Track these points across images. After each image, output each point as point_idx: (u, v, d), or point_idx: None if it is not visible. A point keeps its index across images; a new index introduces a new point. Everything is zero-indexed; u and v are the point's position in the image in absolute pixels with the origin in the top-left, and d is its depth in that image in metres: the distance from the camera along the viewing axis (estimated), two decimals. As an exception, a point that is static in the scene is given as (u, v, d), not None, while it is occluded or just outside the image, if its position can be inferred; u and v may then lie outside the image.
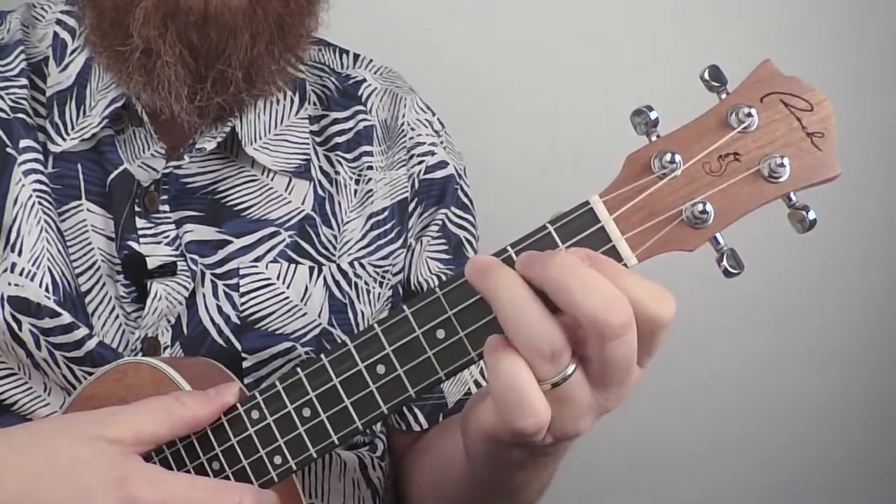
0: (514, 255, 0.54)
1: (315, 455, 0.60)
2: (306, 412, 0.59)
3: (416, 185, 0.88)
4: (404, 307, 0.57)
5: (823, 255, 1.24)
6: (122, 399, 0.63)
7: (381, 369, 0.57)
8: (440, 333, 0.56)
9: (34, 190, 0.77)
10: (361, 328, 0.81)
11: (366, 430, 0.59)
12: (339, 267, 0.83)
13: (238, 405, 0.62)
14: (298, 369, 0.60)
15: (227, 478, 0.62)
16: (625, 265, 0.54)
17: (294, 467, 0.60)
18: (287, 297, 0.80)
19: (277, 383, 0.60)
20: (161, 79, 0.74)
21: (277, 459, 0.61)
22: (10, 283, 0.74)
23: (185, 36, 0.73)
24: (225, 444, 0.62)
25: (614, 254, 0.54)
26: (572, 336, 0.51)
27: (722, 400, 1.30)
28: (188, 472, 0.63)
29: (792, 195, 0.55)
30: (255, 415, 0.61)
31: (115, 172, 0.79)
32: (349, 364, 0.58)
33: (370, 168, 0.86)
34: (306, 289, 0.81)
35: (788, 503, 1.33)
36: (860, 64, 1.20)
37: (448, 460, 0.72)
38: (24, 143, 0.78)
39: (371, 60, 0.94)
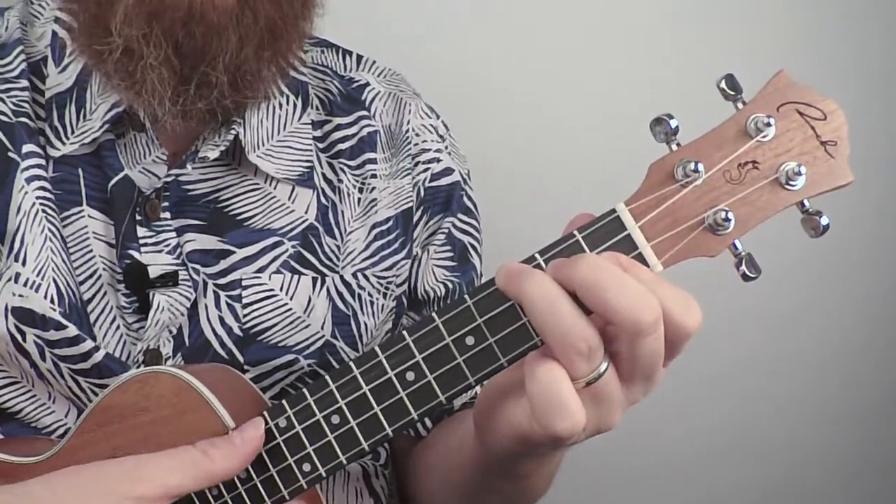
0: (542, 263, 0.55)
1: (345, 462, 0.60)
2: (335, 419, 0.60)
3: (422, 192, 0.87)
4: (434, 315, 0.57)
5: (823, 255, 1.26)
6: (144, 409, 0.62)
7: (410, 376, 0.58)
8: (470, 340, 0.56)
9: (37, 197, 0.75)
10: (365, 340, 0.81)
11: (396, 436, 0.59)
12: (342, 278, 0.82)
13: (266, 416, 0.61)
14: (328, 378, 0.60)
15: (254, 486, 0.62)
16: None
17: (324, 474, 0.61)
18: (290, 309, 0.79)
19: (306, 392, 0.60)
20: (145, 81, 0.71)
21: (306, 467, 0.61)
22: (14, 294, 0.72)
23: (170, 34, 0.69)
24: None
25: (641, 260, 0.55)
26: (601, 334, 0.52)
27: (721, 400, 1.31)
28: None
29: (805, 201, 0.56)
30: (282, 423, 0.61)
31: (116, 178, 0.77)
32: (378, 372, 0.58)
33: (374, 176, 0.85)
34: (309, 300, 0.80)
35: (788, 503, 1.35)
36: (860, 64, 1.22)
37: (457, 451, 0.73)
38: (26, 148, 0.76)
39: (374, 62, 0.92)
